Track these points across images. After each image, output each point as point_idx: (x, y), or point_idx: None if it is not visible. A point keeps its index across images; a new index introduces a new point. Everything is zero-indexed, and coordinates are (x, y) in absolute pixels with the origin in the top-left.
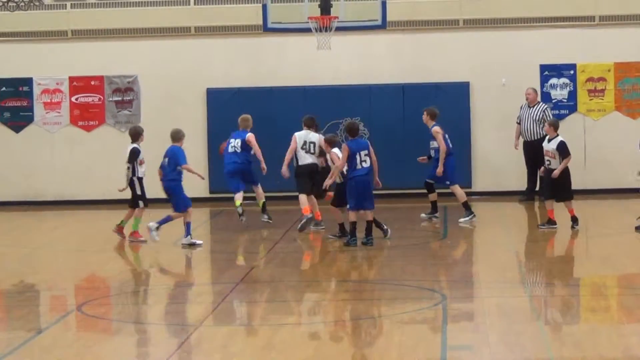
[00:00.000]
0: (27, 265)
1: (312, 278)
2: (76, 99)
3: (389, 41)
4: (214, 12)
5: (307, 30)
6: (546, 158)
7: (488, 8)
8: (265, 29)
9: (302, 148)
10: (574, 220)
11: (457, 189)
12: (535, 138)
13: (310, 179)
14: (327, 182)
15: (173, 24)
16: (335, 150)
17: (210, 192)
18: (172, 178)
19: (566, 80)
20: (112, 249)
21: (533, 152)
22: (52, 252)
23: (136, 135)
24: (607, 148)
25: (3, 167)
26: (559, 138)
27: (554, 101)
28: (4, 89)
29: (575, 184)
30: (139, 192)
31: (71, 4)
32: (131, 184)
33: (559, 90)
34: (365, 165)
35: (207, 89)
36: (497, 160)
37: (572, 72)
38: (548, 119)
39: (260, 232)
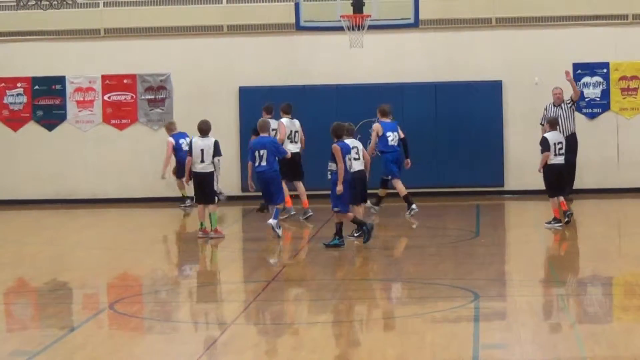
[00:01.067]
0: (60, 264)
1: (344, 277)
2: (109, 97)
3: (421, 40)
4: (247, 11)
5: (340, 29)
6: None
7: (521, 6)
8: (298, 27)
9: (287, 137)
10: (567, 213)
11: (398, 184)
12: (569, 133)
13: (292, 167)
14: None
15: (205, 22)
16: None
17: (242, 191)
18: (276, 169)
19: (599, 79)
20: (144, 247)
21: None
22: (84, 250)
23: (209, 129)
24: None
25: (36, 166)
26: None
27: (586, 100)
28: (37, 87)
29: (608, 183)
30: (216, 187)
31: (104, 2)
32: (210, 178)
33: (591, 88)
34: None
35: (240, 87)
36: (529, 159)
37: (605, 70)
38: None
39: (292, 231)
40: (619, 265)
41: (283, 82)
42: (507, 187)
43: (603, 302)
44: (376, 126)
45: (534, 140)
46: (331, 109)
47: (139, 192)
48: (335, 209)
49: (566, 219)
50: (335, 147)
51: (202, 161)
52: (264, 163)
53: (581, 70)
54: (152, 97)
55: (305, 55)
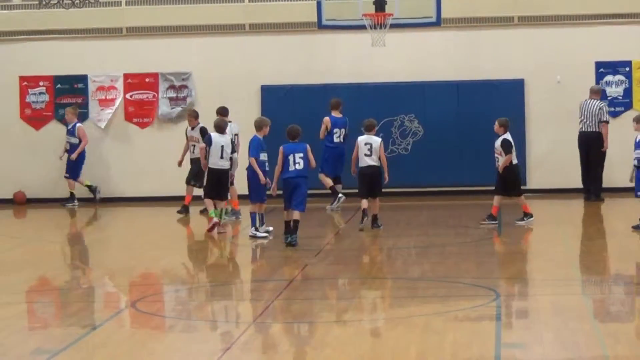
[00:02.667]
0: (81, 262)
1: (366, 275)
2: (130, 96)
3: (443, 38)
4: (268, 9)
5: (362, 27)
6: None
7: (543, 5)
8: (320, 26)
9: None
10: (526, 215)
11: (323, 177)
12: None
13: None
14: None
15: (227, 21)
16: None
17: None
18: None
19: (622, 77)
20: (165, 245)
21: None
22: (105, 249)
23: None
24: None
25: (57, 164)
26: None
27: (609, 98)
28: (59, 86)
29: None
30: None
31: (126, 1)
32: (228, 175)
33: (614, 87)
34: (298, 167)
35: (262, 86)
36: (552, 157)
37: (627, 69)
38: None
39: (313, 229)
40: None
41: (305, 81)
42: (529, 186)
43: (625, 301)
44: (326, 120)
45: (556, 138)
46: (352, 108)
47: (159, 191)
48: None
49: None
50: (280, 148)
51: (222, 157)
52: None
53: (603, 68)
54: (174, 95)
55: (327, 54)
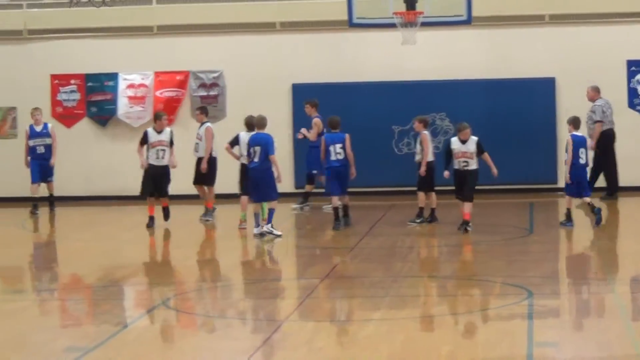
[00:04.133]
0: (113, 260)
1: (398, 273)
2: (160, 94)
3: (474, 37)
4: (299, 8)
5: (392, 26)
6: (464, 159)
7: (574, 3)
8: (351, 24)
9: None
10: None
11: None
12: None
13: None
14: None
15: (259, 19)
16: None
17: (296, 188)
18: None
19: None
20: (196, 243)
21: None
22: (137, 247)
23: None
24: None
25: (88, 162)
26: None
27: None
28: (90, 84)
29: None
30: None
31: None
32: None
33: None
34: (339, 157)
35: (293, 84)
36: None
37: None
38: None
39: (345, 228)
40: None
41: (336, 79)
42: (560, 184)
43: None
44: (317, 121)
45: (588, 137)
46: (383, 106)
47: (190, 189)
48: None
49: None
50: (322, 138)
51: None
52: (256, 159)
53: (635, 67)
54: (205, 93)
55: (358, 52)
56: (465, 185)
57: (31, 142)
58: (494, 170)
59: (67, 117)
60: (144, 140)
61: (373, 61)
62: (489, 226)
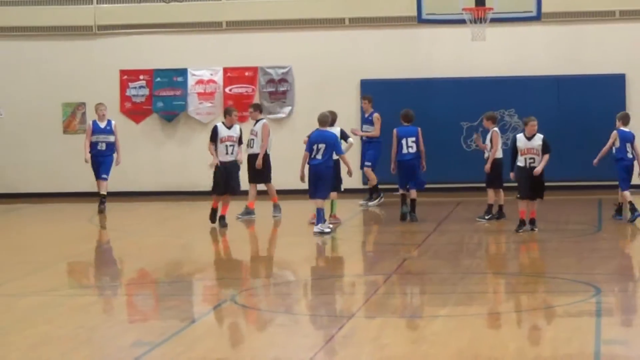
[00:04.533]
0: (182, 255)
1: (466, 270)
2: (230, 90)
3: (543, 33)
4: (368, 3)
5: (462, 22)
6: (530, 156)
7: None
8: (420, 20)
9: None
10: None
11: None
12: None
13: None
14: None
15: (327, 15)
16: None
17: (363, 184)
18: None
19: None
20: (266, 238)
21: None
22: (206, 242)
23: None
24: None
25: (157, 158)
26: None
27: None
28: (158, 79)
29: None
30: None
31: None
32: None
33: None
34: (410, 150)
35: (361, 80)
36: None
37: None
38: None
39: (412, 224)
40: None
41: (404, 75)
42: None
43: None
44: (378, 115)
45: None
46: (451, 103)
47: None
48: None
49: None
50: (394, 131)
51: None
52: (319, 157)
53: None
54: (274, 89)
55: (427, 48)
56: (534, 182)
57: (93, 138)
58: (537, 169)
59: (135, 113)
60: (214, 136)
61: (442, 57)
62: (558, 223)
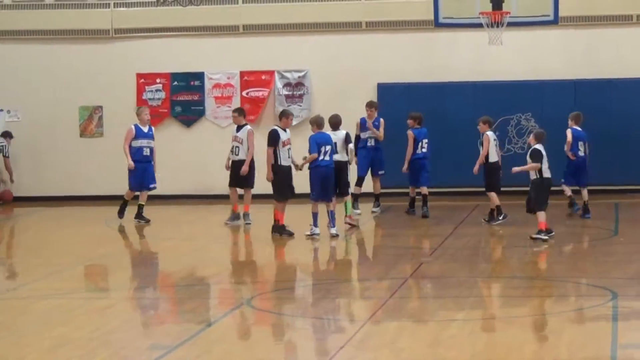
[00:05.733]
0: (198, 259)
1: (482, 274)
2: (247, 94)
3: (560, 36)
4: (385, 7)
5: (479, 26)
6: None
7: None
8: (437, 24)
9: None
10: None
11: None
12: None
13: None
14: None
15: (344, 19)
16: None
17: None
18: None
19: None
20: (281, 243)
21: None
22: (222, 246)
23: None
24: None
25: (174, 161)
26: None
27: None
28: (175, 83)
29: None
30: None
31: None
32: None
33: None
34: (424, 151)
35: (378, 84)
36: None
37: None
38: None
39: (429, 228)
40: None
41: (421, 79)
42: None
43: None
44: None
45: None
46: (468, 106)
47: (267, 188)
48: None
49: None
50: (410, 132)
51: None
52: (327, 158)
53: None
54: (290, 93)
55: (444, 52)
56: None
57: (137, 143)
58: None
59: (152, 116)
60: (275, 140)
61: (459, 61)
62: (574, 227)
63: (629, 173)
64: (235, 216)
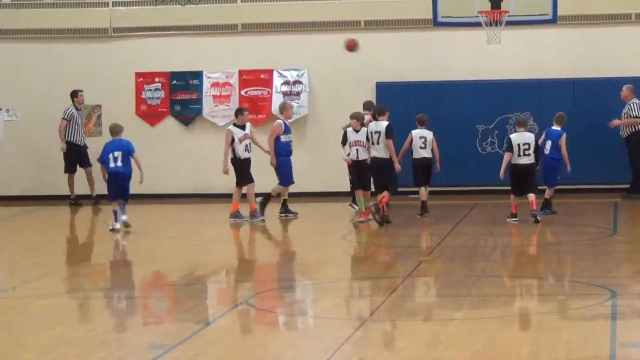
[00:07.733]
0: (197, 258)
1: (481, 273)
2: (245, 93)
3: (559, 35)
4: (384, 6)
5: (477, 25)
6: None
7: None
8: (435, 23)
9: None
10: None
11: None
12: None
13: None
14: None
15: (342, 17)
16: None
17: None
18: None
19: None
20: (280, 241)
21: None
22: (221, 245)
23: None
24: None
25: (173, 160)
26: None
27: None
28: (174, 82)
29: None
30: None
31: None
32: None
33: None
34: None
35: (377, 83)
36: None
37: None
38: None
39: (428, 227)
40: None
41: (420, 78)
42: None
43: None
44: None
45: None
46: (467, 105)
47: (265, 186)
48: None
49: (532, 219)
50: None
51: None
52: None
53: None
54: (288, 90)
55: (442, 51)
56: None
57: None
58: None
59: (151, 115)
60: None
61: (457, 60)
62: (573, 226)
63: (628, 172)
64: (236, 214)
